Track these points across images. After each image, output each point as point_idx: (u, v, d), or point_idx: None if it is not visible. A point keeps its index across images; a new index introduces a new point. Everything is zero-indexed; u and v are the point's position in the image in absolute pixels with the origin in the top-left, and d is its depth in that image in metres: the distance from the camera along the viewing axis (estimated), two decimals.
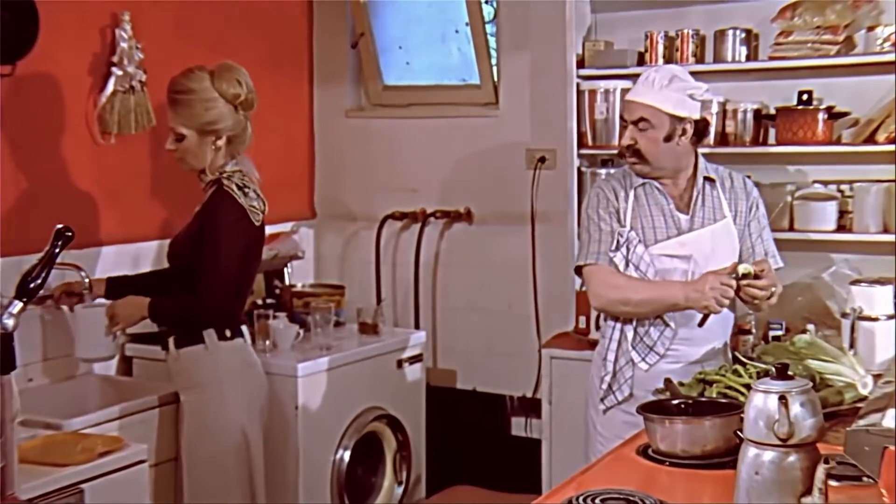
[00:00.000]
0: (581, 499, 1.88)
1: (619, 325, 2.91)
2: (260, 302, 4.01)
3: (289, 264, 4.34)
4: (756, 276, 2.68)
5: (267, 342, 3.69)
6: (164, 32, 3.92)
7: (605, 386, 2.92)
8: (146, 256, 3.84)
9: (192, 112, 3.08)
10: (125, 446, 2.83)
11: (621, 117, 2.96)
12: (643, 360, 2.87)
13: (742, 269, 2.67)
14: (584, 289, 3.17)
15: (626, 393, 2.89)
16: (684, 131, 2.85)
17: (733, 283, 2.65)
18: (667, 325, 2.85)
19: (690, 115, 2.85)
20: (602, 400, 2.93)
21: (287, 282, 4.30)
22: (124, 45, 3.70)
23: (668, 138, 2.84)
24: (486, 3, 4.52)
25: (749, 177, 3.74)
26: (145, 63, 3.77)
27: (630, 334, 2.88)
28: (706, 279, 2.68)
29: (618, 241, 2.86)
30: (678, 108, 2.83)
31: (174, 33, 3.99)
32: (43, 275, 2.06)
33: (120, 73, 3.70)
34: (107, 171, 3.76)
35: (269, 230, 4.33)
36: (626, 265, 2.84)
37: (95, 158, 3.72)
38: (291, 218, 4.62)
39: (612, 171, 3.23)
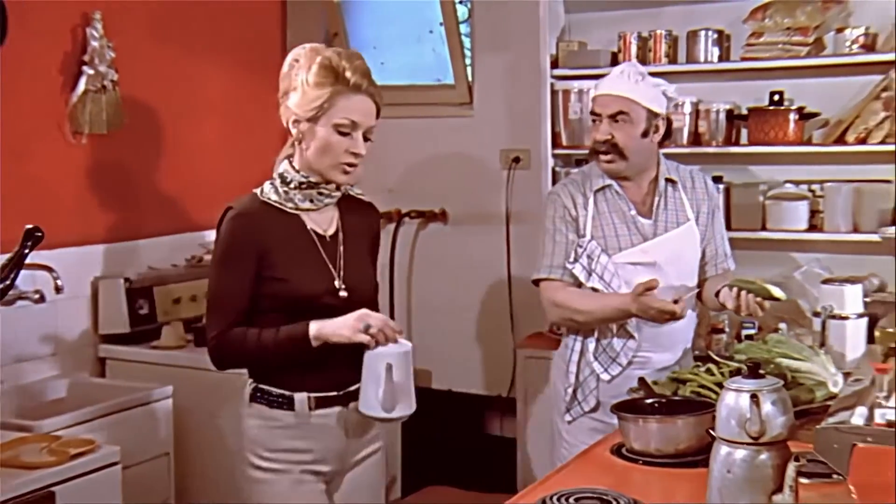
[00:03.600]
0: (555, 498, 1.89)
1: (580, 337, 2.84)
2: None
3: None
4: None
5: None
6: (135, 31, 3.90)
7: (568, 398, 2.86)
8: (116, 257, 3.81)
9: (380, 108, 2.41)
10: (97, 448, 2.80)
11: (593, 112, 2.83)
12: (605, 370, 2.80)
13: (778, 293, 2.65)
14: None
15: (592, 404, 2.83)
16: (657, 128, 2.80)
17: (678, 309, 2.60)
18: (630, 336, 2.78)
19: (663, 112, 2.81)
20: (568, 411, 2.86)
21: None
22: (95, 44, 3.67)
23: (644, 133, 2.78)
24: (461, 3, 4.52)
25: (721, 177, 3.80)
26: (117, 62, 3.74)
27: (592, 346, 2.81)
28: (647, 304, 2.60)
29: (576, 252, 2.78)
30: (654, 103, 2.78)
31: (146, 32, 3.96)
32: (12, 275, 2.05)
33: (91, 72, 3.67)
34: (78, 171, 3.73)
35: None
36: (589, 275, 2.77)
37: (67, 158, 3.69)
38: None
39: (573, 171, 3.11)
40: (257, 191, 2.40)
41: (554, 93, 3.98)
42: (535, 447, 3.83)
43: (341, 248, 2.40)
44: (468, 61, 4.50)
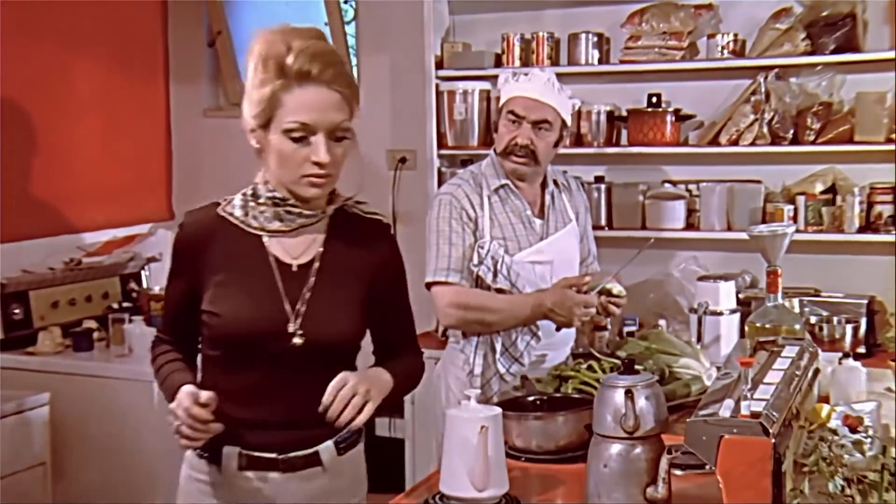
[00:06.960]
0: (437, 497, 1.91)
1: (479, 339, 2.83)
2: (115, 306, 3.90)
3: (146, 267, 4.23)
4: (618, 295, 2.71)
5: (123, 347, 3.60)
6: (9, 27, 3.77)
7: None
8: None
9: (355, 94, 1.93)
10: None
11: (512, 112, 2.80)
12: (507, 371, 2.81)
13: (617, 290, 2.70)
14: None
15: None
16: (563, 137, 2.87)
17: (595, 300, 2.66)
18: (534, 334, 2.81)
19: (569, 123, 2.89)
20: None
21: (145, 285, 4.19)
22: None
23: (556, 143, 2.84)
24: (346, 3, 4.51)
25: (602, 177, 3.89)
26: None
27: (499, 346, 2.81)
28: (569, 297, 2.64)
29: (479, 254, 2.77)
30: (567, 114, 2.85)
31: (20, 28, 3.83)
32: None
33: None
34: None
35: (125, 232, 4.26)
36: (495, 277, 2.77)
37: None
38: (148, 219, 4.50)
39: (459, 171, 3.13)
40: (223, 200, 1.98)
41: (439, 93, 4.01)
42: (424, 447, 3.84)
43: (312, 279, 1.92)
44: (353, 61, 4.49)
